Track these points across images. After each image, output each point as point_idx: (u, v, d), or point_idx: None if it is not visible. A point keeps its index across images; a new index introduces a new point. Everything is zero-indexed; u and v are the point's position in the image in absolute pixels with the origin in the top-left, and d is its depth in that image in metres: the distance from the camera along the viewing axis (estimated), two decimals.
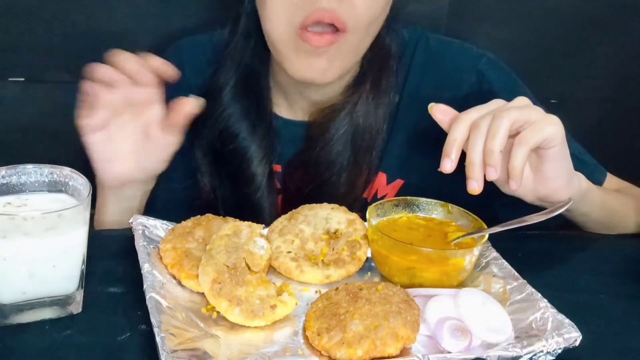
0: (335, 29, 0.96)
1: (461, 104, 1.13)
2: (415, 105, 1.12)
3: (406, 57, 1.14)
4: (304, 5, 0.94)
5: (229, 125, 1.11)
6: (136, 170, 1.01)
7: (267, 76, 1.13)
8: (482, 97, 1.11)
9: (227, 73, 1.11)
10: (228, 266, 0.78)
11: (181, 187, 1.15)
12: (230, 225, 0.84)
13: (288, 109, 1.15)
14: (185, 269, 0.81)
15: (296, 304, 0.78)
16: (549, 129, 0.84)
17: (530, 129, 0.84)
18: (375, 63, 1.08)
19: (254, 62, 1.11)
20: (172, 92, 1.18)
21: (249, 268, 0.80)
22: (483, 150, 0.83)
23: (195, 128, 1.14)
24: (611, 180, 1.15)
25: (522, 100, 0.89)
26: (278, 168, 1.14)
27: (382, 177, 1.14)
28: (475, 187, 0.83)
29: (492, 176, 0.82)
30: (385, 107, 1.10)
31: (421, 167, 1.03)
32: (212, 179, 1.14)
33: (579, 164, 1.06)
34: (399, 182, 1.14)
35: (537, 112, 0.86)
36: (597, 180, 1.11)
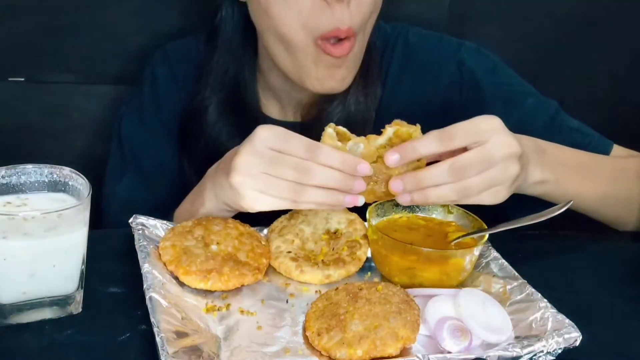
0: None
1: (443, 95, 1.14)
2: (396, 100, 1.14)
3: (387, 54, 1.15)
4: (318, 14, 0.95)
5: (219, 143, 1.09)
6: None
7: (255, 84, 1.12)
8: (465, 86, 1.11)
9: (212, 89, 1.10)
10: None
11: (170, 201, 1.15)
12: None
13: (279, 110, 1.15)
14: (184, 265, 0.81)
15: None
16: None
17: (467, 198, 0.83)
18: (363, 56, 1.08)
19: (241, 73, 1.10)
20: (164, 94, 1.17)
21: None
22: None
23: (186, 147, 1.13)
24: (619, 151, 1.12)
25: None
26: None
27: None
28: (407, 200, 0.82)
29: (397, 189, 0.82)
30: (373, 96, 1.11)
31: None
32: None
33: (582, 137, 1.05)
34: None
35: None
36: (603, 152, 1.09)
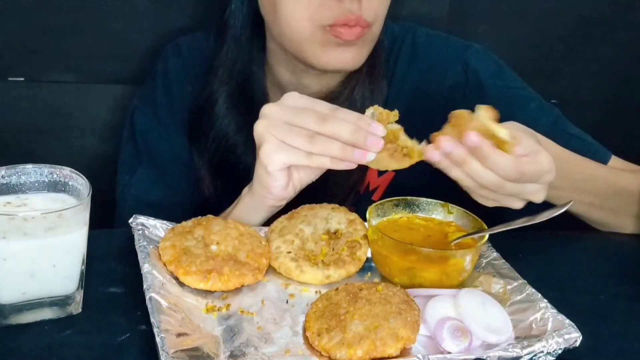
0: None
1: (447, 95, 1.15)
2: (402, 98, 1.14)
3: (394, 52, 1.16)
4: (327, 8, 0.96)
5: (227, 136, 1.10)
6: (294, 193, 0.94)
7: (263, 78, 1.13)
8: (469, 87, 1.12)
9: (220, 83, 1.11)
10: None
11: (185, 193, 1.15)
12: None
13: None
14: (183, 266, 0.81)
15: None
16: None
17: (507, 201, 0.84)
18: (370, 53, 1.08)
19: (249, 67, 1.11)
20: (176, 87, 1.17)
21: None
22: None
23: (195, 140, 1.13)
24: (617, 162, 1.12)
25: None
26: None
27: (373, 169, 1.15)
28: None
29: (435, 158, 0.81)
30: (379, 92, 1.11)
31: None
32: (215, 187, 1.14)
33: (581, 145, 1.05)
34: (390, 174, 1.15)
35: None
36: (601, 161, 1.10)
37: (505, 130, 0.79)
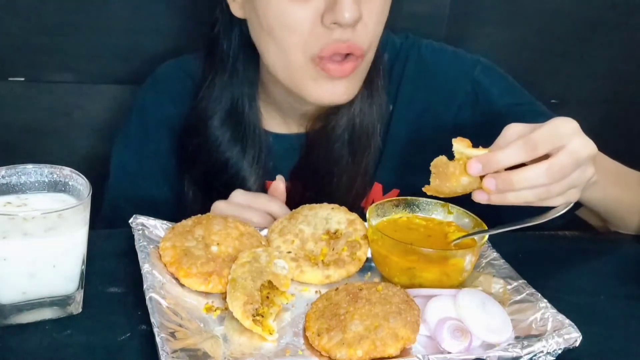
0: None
1: (455, 113, 1.12)
2: (409, 115, 1.12)
3: (398, 67, 1.13)
4: (318, 37, 0.94)
5: (219, 155, 1.09)
6: None
7: (255, 98, 1.11)
8: (479, 106, 1.10)
9: (212, 104, 1.09)
10: (259, 291, 0.77)
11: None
12: (247, 253, 0.83)
13: (281, 123, 1.14)
14: (184, 268, 0.81)
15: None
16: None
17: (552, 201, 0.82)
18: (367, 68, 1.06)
19: (242, 88, 1.09)
20: (152, 122, 1.17)
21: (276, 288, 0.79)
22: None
23: (184, 162, 1.13)
24: None
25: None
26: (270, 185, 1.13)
27: (377, 188, 1.14)
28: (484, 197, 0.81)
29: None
30: (378, 107, 1.09)
31: (416, 177, 1.02)
32: (204, 206, 1.13)
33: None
34: (394, 192, 1.14)
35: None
36: None
37: (481, 152, 0.81)
